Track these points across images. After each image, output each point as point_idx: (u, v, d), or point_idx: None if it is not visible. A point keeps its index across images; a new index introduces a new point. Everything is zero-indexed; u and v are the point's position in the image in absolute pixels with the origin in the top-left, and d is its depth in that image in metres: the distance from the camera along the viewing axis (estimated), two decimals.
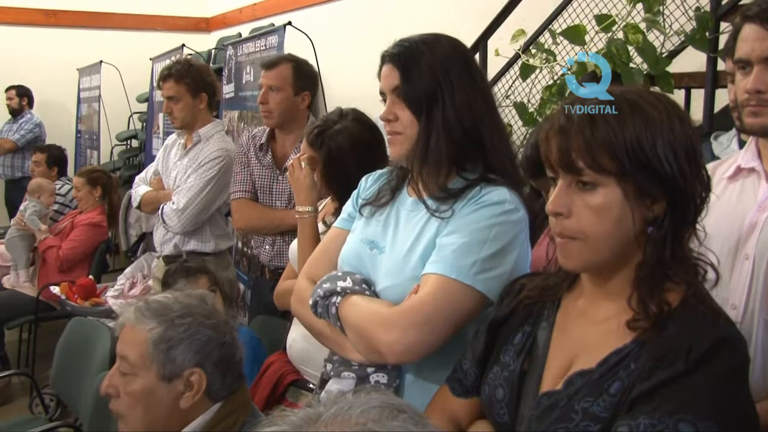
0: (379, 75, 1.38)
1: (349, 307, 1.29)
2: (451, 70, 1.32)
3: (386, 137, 1.39)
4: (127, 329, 1.37)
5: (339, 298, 1.31)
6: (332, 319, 1.32)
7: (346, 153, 1.87)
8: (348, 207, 1.54)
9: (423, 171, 1.33)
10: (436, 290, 1.22)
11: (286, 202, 2.62)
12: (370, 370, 1.31)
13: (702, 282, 0.98)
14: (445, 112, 1.30)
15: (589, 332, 1.02)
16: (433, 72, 1.31)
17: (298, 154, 2.01)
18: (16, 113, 6.33)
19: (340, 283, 1.33)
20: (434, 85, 1.31)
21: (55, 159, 5.07)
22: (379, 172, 1.53)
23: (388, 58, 1.36)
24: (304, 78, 2.69)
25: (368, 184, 1.52)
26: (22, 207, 4.34)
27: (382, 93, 1.38)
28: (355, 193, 1.54)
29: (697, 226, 0.99)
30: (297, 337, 1.87)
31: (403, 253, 1.34)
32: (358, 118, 1.95)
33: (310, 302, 1.36)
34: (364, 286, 1.34)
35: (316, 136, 1.92)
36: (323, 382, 1.42)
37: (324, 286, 1.35)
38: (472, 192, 1.30)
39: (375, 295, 1.34)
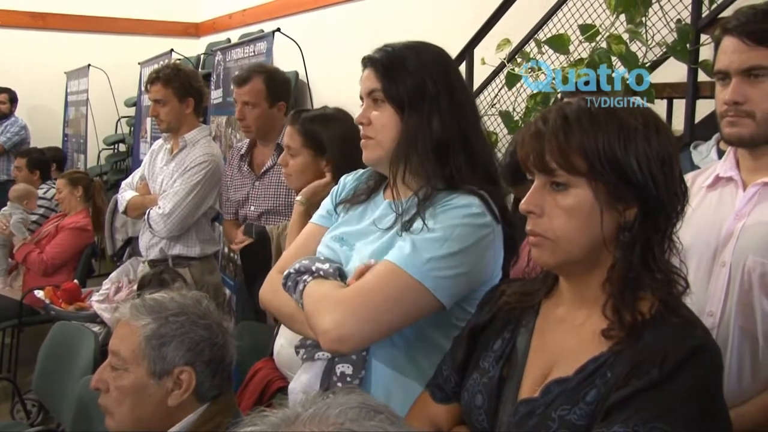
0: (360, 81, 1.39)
1: (308, 290, 1.28)
2: (434, 74, 1.32)
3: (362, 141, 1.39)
4: (121, 324, 1.39)
5: (309, 277, 1.30)
6: (297, 295, 1.30)
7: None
8: (326, 203, 1.53)
9: (407, 170, 1.32)
10: (383, 277, 1.21)
11: (262, 208, 2.68)
12: (337, 359, 1.30)
13: (675, 292, 1.00)
14: (430, 113, 1.31)
15: (567, 339, 1.03)
16: (419, 72, 1.31)
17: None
18: (3, 117, 6.29)
19: (317, 264, 1.32)
20: (420, 84, 1.31)
21: (36, 162, 5.01)
22: (359, 171, 1.53)
23: (367, 61, 1.36)
24: (278, 88, 2.74)
25: (348, 182, 1.52)
26: (4, 211, 4.27)
27: (361, 98, 1.38)
28: (334, 189, 1.54)
29: (674, 238, 1.01)
30: (285, 343, 1.88)
31: (368, 254, 1.33)
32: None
33: (284, 273, 1.35)
34: (337, 272, 1.32)
35: (292, 117, 2.09)
36: None
37: (303, 262, 1.34)
38: (440, 196, 1.29)
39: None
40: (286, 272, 1.35)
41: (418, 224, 1.27)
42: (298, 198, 2.00)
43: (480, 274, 1.26)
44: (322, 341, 1.21)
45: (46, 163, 5.17)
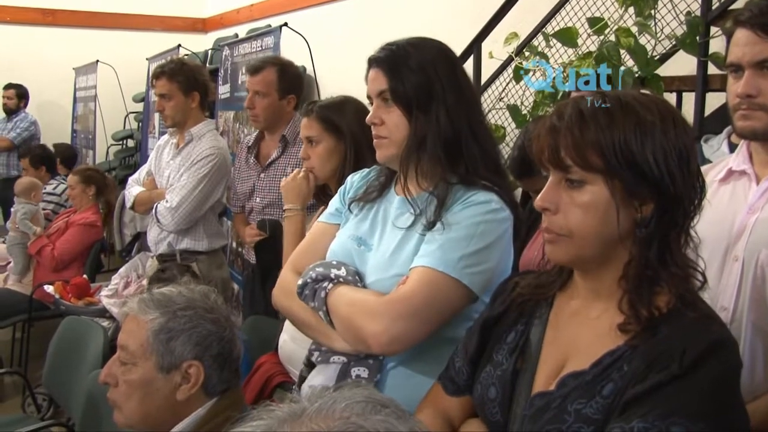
0: (366, 80, 1.39)
1: (337, 297, 1.31)
2: (439, 70, 1.33)
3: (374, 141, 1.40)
4: (129, 319, 1.39)
5: (330, 284, 1.32)
6: (318, 303, 1.32)
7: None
8: (335, 202, 1.55)
9: (418, 169, 1.34)
10: (424, 282, 1.24)
11: (267, 200, 2.71)
12: (353, 362, 1.32)
13: (692, 287, 0.98)
14: (438, 110, 1.31)
15: (582, 333, 1.02)
16: (424, 70, 1.32)
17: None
18: (12, 112, 6.33)
19: (334, 271, 1.34)
20: (426, 83, 1.32)
21: (38, 159, 5.04)
22: (366, 170, 1.55)
23: (373, 62, 1.37)
24: (289, 81, 2.76)
25: (355, 181, 1.53)
26: (14, 209, 4.30)
27: (369, 97, 1.39)
28: (341, 189, 1.56)
29: (691, 232, 0.99)
30: (287, 338, 1.88)
31: (390, 250, 1.35)
32: None
33: (299, 282, 1.37)
34: (356, 277, 1.35)
35: (306, 108, 2.04)
36: (302, 380, 1.44)
37: (318, 269, 1.36)
38: (458, 194, 1.31)
39: (365, 288, 1.34)
40: (301, 281, 1.37)
41: (441, 223, 1.29)
42: (293, 206, 2.00)
43: (503, 266, 1.30)
44: (372, 345, 1.24)
45: (50, 158, 5.20)
